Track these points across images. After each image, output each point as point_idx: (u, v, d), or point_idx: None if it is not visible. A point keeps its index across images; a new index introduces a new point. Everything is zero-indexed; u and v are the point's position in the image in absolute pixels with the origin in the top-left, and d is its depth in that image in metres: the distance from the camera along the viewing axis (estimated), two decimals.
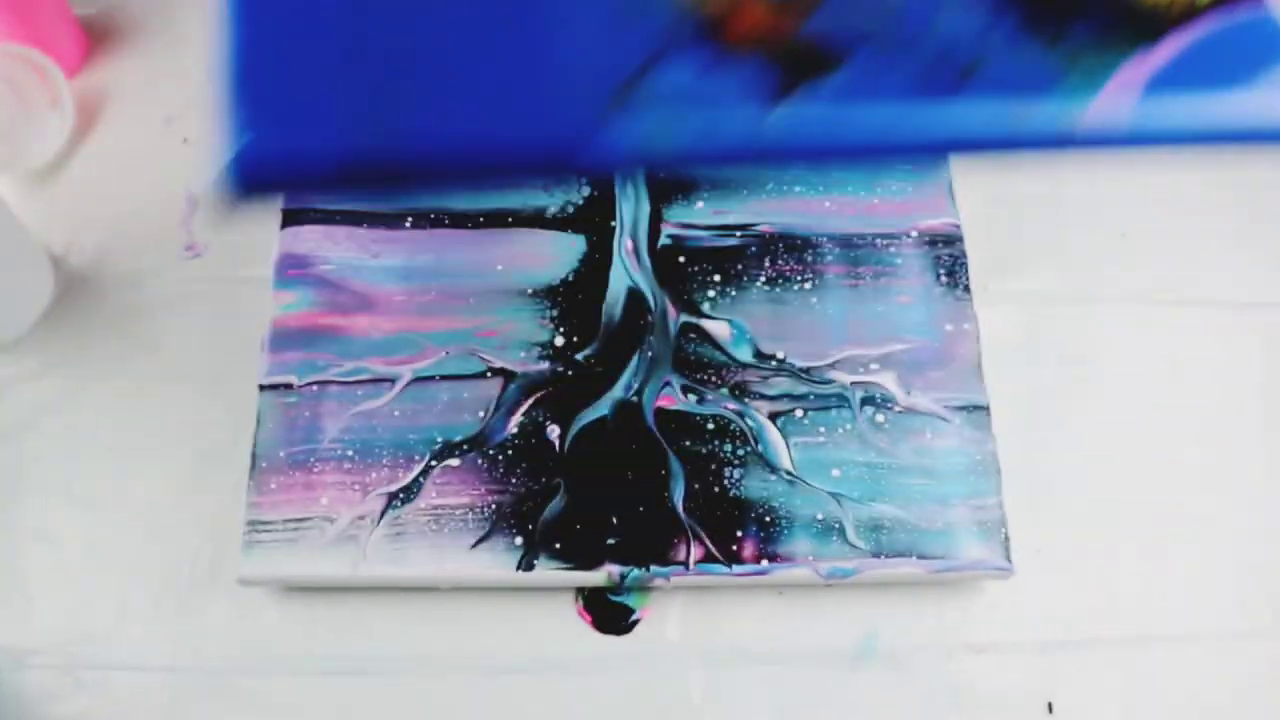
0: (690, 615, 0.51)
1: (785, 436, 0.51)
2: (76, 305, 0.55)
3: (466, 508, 0.49)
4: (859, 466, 0.50)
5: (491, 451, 0.50)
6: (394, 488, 0.49)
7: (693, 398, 0.51)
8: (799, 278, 0.55)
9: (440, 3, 0.32)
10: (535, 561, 0.48)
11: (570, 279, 0.54)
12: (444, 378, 0.51)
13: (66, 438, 0.52)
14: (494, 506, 0.49)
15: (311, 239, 0.54)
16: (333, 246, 0.54)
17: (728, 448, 0.50)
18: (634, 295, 0.53)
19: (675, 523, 0.49)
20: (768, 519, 0.49)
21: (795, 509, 0.49)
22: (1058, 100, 0.32)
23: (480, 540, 0.48)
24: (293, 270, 0.53)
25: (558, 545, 0.48)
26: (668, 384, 0.52)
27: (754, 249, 0.55)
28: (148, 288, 0.56)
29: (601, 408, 0.51)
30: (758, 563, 0.48)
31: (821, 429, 0.51)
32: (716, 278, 0.54)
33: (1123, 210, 0.62)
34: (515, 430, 0.50)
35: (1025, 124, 0.32)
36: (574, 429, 0.50)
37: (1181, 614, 0.53)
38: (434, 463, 0.49)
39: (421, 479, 0.49)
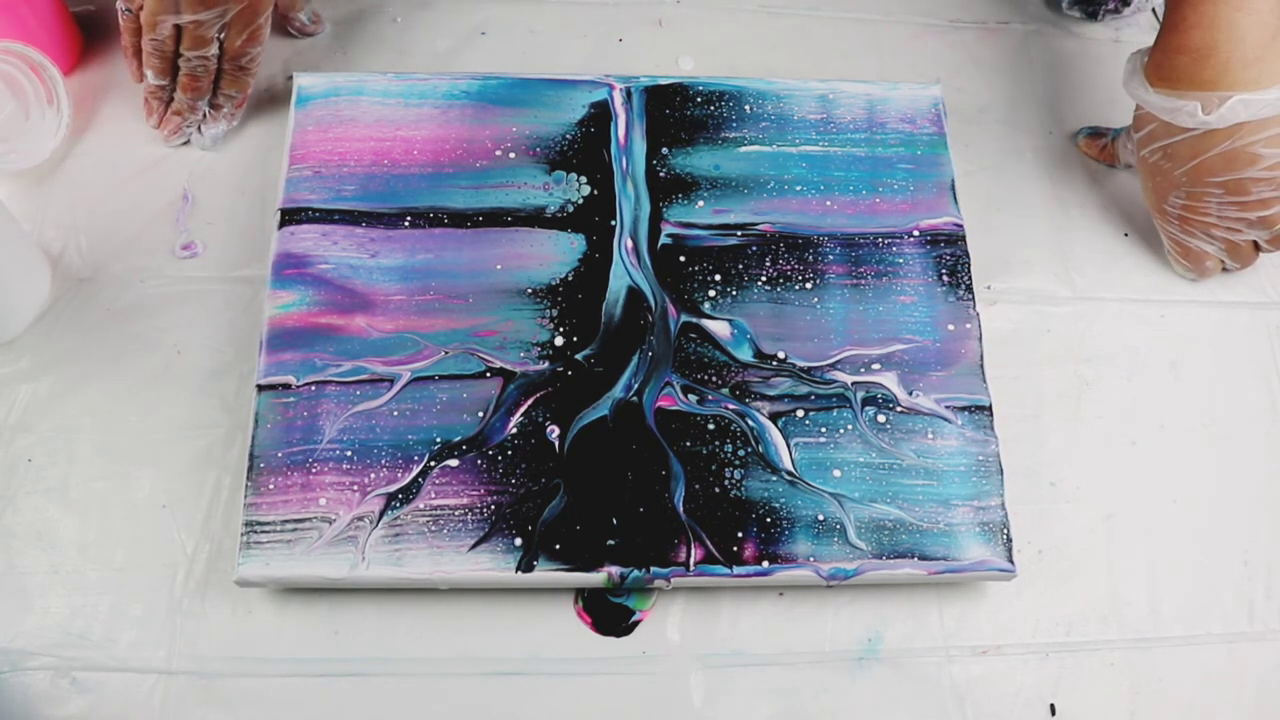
0: (691, 617, 0.50)
1: (786, 437, 0.51)
2: (73, 304, 0.55)
3: (466, 508, 0.48)
4: (860, 467, 0.50)
5: (491, 452, 0.49)
6: (393, 488, 0.48)
7: (693, 398, 0.51)
8: (800, 277, 0.54)
9: None
10: (535, 562, 0.47)
11: (570, 278, 0.53)
12: (443, 378, 0.51)
13: (62, 438, 0.52)
14: (493, 507, 0.48)
15: (309, 238, 0.53)
16: (330, 246, 0.53)
17: (728, 448, 0.50)
18: (634, 295, 0.53)
19: (676, 524, 0.49)
20: (769, 520, 0.49)
21: (796, 510, 0.49)
22: None
23: (479, 541, 0.48)
24: (290, 270, 0.53)
25: (557, 546, 0.48)
26: (668, 384, 0.51)
27: (755, 248, 0.55)
28: (145, 287, 0.55)
29: (601, 408, 0.51)
30: (759, 564, 0.48)
31: (823, 429, 0.51)
32: (717, 277, 0.54)
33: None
34: (515, 430, 0.50)
35: None
36: (574, 429, 0.50)
37: (1185, 616, 0.53)
38: (433, 463, 0.49)
39: (420, 479, 0.49)
